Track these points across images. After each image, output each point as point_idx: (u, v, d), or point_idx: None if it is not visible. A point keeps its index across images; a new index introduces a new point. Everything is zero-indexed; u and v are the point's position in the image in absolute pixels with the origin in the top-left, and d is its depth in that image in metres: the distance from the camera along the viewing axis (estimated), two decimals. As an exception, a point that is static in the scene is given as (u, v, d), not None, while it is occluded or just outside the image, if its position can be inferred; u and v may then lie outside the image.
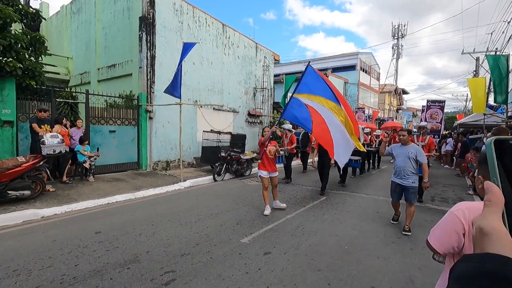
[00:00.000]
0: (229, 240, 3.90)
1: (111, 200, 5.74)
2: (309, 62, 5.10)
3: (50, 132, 5.68)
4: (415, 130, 16.35)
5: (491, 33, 18.05)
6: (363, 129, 9.58)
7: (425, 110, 10.85)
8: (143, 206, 5.50)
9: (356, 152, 8.39)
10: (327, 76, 22.13)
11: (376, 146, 11.15)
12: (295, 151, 8.79)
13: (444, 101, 10.08)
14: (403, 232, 4.32)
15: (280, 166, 8.43)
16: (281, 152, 8.13)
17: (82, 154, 6.87)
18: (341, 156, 4.92)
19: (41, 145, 5.31)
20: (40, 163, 5.38)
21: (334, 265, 3.26)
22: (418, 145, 6.21)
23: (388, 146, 4.98)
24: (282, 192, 6.91)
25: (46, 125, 5.85)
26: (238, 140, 9.66)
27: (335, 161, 6.93)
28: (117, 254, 3.37)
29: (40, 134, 5.54)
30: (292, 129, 8.93)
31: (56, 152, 5.49)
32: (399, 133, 4.52)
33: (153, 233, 4.08)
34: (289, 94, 14.96)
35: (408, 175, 4.31)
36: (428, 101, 10.53)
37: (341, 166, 6.79)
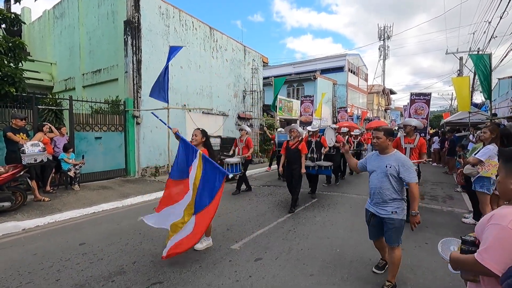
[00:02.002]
0: (219, 247, 3.80)
1: (97, 209, 5.55)
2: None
3: (29, 140, 5.45)
4: (396, 128, 15.32)
5: (473, 33, 18.58)
6: (335, 129, 8.34)
7: (409, 105, 9.57)
8: (131, 215, 5.33)
9: (327, 156, 7.34)
10: (316, 78, 22.31)
11: (354, 148, 9.88)
12: (250, 157, 7.20)
13: (430, 94, 9.06)
14: None
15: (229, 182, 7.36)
16: (236, 159, 6.71)
17: (66, 162, 6.65)
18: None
19: (21, 154, 5.08)
20: (21, 173, 5.17)
21: (326, 269, 3.20)
22: (404, 148, 5.04)
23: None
24: (273, 195, 6.84)
25: (22, 133, 5.59)
26: (228, 144, 9.56)
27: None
28: (102, 266, 3.23)
29: (19, 143, 5.31)
30: (246, 128, 7.23)
31: (37, 161, 5.27)
32: (373, 135, 2.90)
33: (140, 242, 3.95)
34: (279, 96, 15.00)
35: (386, 202, 2.71)
36: (412, 94, 9.28)
37: None
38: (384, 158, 2.78)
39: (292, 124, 6.19)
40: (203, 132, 3.74)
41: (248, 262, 3.35)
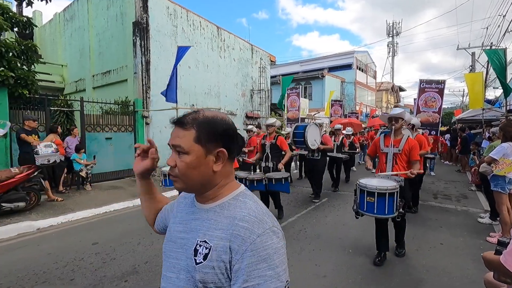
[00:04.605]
0: (230, 247, 3.79)
1: (108, 209, 5.62)
2: None
3: (41, 142, 5.55)
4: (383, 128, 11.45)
5: (487, 28, 18.05)
6: (319, 125, 6.86)
7: (418, 96, 7.73)
8: (141, 214, 5.37)
9: (310, 162, 6.10)
10: (324, 76, 22.12)
11: (347, 150, 8.16)
12: None
13: (444, 81, 7.21)
14: None
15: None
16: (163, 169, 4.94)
17: (78, 163, 6.75)
18: None
19: (35, 155, 5.19)
20: (35, 174, 5.26)
21: (339, 271, 3.15)
22: (385, 153, 3.41)
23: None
24: (283, 194, 6.74)
25: (33, 135, 5.69)
26: (236, 143, 9.56)
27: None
28: (115, 266, 3.26)
29: (33, 144, 5.41)
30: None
31: (50, 162, 5.37)
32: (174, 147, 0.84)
33: (151, 242, 3.97)
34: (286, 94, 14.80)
35: None
36: (421, 81, 7.44)
37: None
38: (201, 216, 0.86)
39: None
40: None
41: (259, 263, 3.33)
